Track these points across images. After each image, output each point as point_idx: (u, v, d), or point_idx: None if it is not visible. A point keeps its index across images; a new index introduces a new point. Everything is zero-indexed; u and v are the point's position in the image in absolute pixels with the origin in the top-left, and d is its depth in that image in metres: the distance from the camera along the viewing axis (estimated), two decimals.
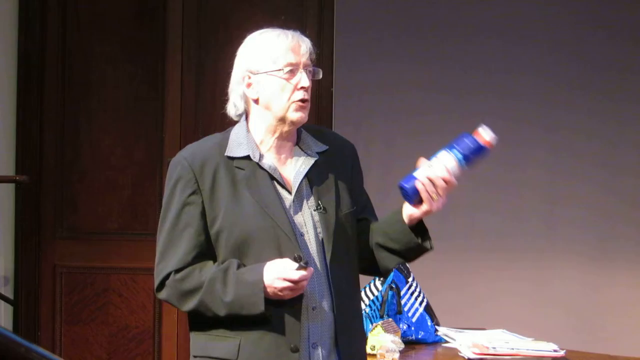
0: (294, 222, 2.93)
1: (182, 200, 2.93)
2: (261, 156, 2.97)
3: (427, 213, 2.95)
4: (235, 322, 2.88)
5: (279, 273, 2.81)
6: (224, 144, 2.98)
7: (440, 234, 6.04)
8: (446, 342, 4.32)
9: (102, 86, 6.17)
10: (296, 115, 2.95)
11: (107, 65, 6.17)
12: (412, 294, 4.34)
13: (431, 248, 3.02)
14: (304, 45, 3.00)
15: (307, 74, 2.98)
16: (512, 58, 6.14)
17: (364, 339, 3.22)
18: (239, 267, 2.88)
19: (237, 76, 3.03)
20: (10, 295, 5.93)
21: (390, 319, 4.15)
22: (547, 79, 6.14)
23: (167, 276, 2.95)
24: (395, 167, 6.08)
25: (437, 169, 2.91)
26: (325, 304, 2.93)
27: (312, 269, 2.84)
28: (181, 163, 2.95)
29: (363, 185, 3.17)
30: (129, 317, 6.12)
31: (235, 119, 3.07)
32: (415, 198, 2.92)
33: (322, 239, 2.94)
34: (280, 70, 2.95)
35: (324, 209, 2.96)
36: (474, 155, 2.94)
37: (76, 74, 6.17)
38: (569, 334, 5.86)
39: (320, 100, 6.14)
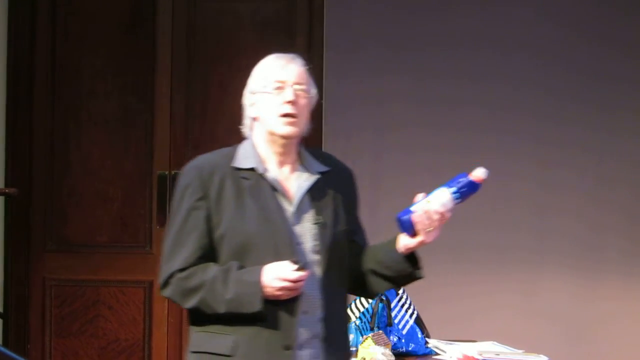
0: (293, 232, 3.12)
1: (190, 204, 3.13)
2: (265, 169, 3.17)
3: (421, 244, 3.15)
4: (233, 319, 3.06)
5: (278, 273, 3.02)
6: (232, 156, 3.19)
7: (430, 247, 6.08)
8: (436, 354, 4.32)
9: (91, 99, 6.17)
10: (283, 129, 3.15)
11: (96, 77, 6.16)
12: (402, 306, 4.34)
13: (422, 276, 3.23)
14: (294, 65, 3.20)
15: (296, 91, 3.16)
16: (501, 70, 6.16)
17: (348, 347, 3.35)
18: (239, 268, 3.07)
19: (245, 98, 3.25)
20: (0, 308, 5.91)
21: (381, 331, 4.15)
22: (537, 91, 6.15)
23: (172, 275, 3.12)
24: (384, 180, 6.09)
25: (433, 204, 3.12)
26: (316, 310, 3.11)
27: (309, 271, 3.04)
28: (191, 171, 3.18)
29: (358, 210, 3.34)
30: (119, 330, 6.11)
31: (247, 136, 3.27)
32: (411, 229, 3.12)
33: (318, 250, 3.14)
34: (269, 87, 3.16)
35: (323, 223, 3.16)
36: (468, 191, 3.20)
37: (65, 87, 6.16)
38: (559, 346, 5.87)
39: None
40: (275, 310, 3.06)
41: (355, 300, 4.36)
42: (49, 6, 6.15)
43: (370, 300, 4.35)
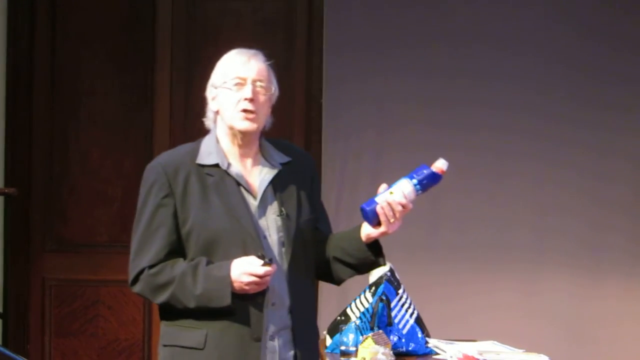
0: (258, 225, 3.23)
1: (156, 202, 3.23)
2: (229, 164, 3.27)
3: (383, 234, 3.25)
4: (203, 313, 3.16)
5: (246, 269, 3.11)
6: (195, 153, 3.29)
7: (431, 246, 6.11)
8: (437, 353, 4.31)
9: (91, 98, 6.17)
10: (241, 125, 3.25)
11: (96, 77, 6.17)
12: (402, 305, 4.34)
13: (384, 264, 3.37)
14: (255, 61, 3.30)
15: (256, 88, 3.26)
16: (501, 70, 6.15)
17: (316, 335, 3.46)
18: (207, 263, 3.17)
19: (208, 91, 3.39)
20: None
21: (381, 331, 4.14)
22: (537, 90, 6.15)
23: (141, 271, 3.20)
24: (385, 179, 6.01)
25: (396, 195, 3.22)
26: (284, 301, 3.23)
27: (275, 265, 3.15)
28: (156, 168, 3.29)
29: (320, 197, 3.48)
30: (119, 329, 6.11)
31: (210, 128, 3.39)
32: (374, 220, 3.23)
33: (283, 242, 3.25)
34: (230, 83, 3.28)
35: (287, 215, 3.27)
36: (429, 182, 3.28)
37: (65, 86, 6.16)
38: (559, 346, 5.86)
39: (310, 113, 6.15)
40: (244, 304, 3.15)
41: (355, 300, 4.36)
42: (48, 5, 6.15)
43: (370, 300, 4.34)
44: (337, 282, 3.45)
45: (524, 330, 5.86)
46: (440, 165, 3.29)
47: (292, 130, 6.15)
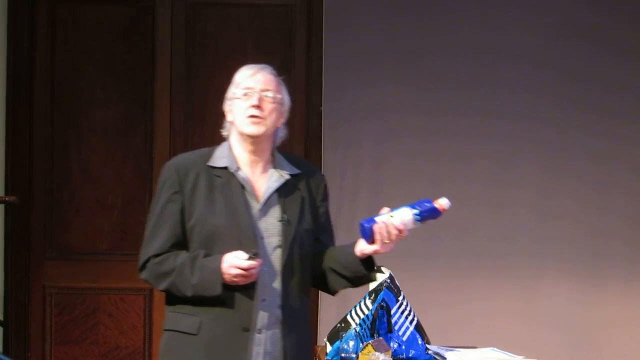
0: (257, 227, 3.48)
1: (166, 197, 3.52)
2: (238, 168, 3.54)
3: (376, 252, 3.47)
4: (199, 302, 3.44)
5: (232, 262, 3.36)
6: (209, 156, 3.57)
7: (431, 253, 6.11)
8: None
9: (91, 106, 6.18)
10: (249, 129, 3.51)
11: (96, 85, 6.18)
12: (402, 312, 4.34)
13: (375, 279, 3.73)
14: (262, 74, 3.55)
15: (263, 96, 3.51)
16: (500, 77, 6.16)
17: (308, 336, 3.69)
18: (205, 256, 3.44)
19: (224, 104, 3.62)
20: (0, 316, 5.91)
21: (381, 338, 4.15)
22: (536, 97, 6.16)
23: (148, 259, 3.51)
24: (384, 189, 6.09)
25: (395, 219, 3.43)
26: (275, 299, 3.48)
27: (261, 260, 3.38)
28: (170, 168, 3.57)
29: (327, 212, 3.71)
30: (119, 337, 6.12)
31: (226, 138, 3.64)
32: (370, 237, 3.44)
33: (281, 245, 3.49)
34: (239, 93, 3.53)
35: (287, 220, 3.51)
36: (429, 216, 3.48)
37: (65, 95, 6.18)
38: (559, 352, 5.87)
39: (309, 122, 6.16)
40: (237, 295, 3.42)
41: (355, 307, 4.37)
42: (48, 15, 6.17)
43: (370, 307, 4.35)
44: (332, 292, 3.69)
45: (523, 337, 5.86)
46: (442, 203, 3.47)
47: (291, 139, 6.10)
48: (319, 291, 6.06)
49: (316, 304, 6.01)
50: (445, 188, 6.09)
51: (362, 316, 4.34)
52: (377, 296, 4.31)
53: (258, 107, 3.49)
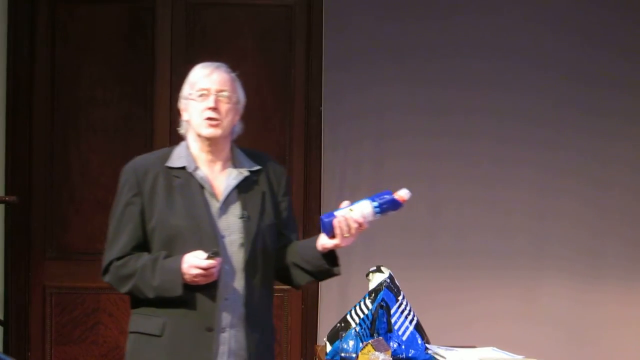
0: (217, 226, 3.47)
1: (126, 200, 3.55)
2: (196, 168, 3.54)
3: (336, 246, 3.48)
4: (162, 303, 3.43)
5: (191, 262, 3.36)
6: (167, 156, 3.59)
7: (430, 253, 6.12)
8: None
9: (91, 106, 6.18)
10: (206, 131, 3.52)
11: (96, 85, 6.18)
12: (402, 312, 4.34)
13: (339, 273, 3.58)
14: (217, 74, 3.54)
15: (219, 97, 3.50)
16: (499, 78, 6.17)
17: (272, 333, 3.68)
18: (165, 257, 3.43)
19: (179, 103, 3.66)
20: (0, 316, 5.91)
21: (381, 338, 4.15)
22: (535, 97, 6.17)
23: (110, 263, 3.50)
24: (384, 189, 6.06)
25: (355, 213, 3.45)
26: (237, 297, 3.47)
27: (220, 259, 3.37)
28: (128, 170, 3.58)
29: (290, 205, 3.69)
30: (120, 337, 6.11)
31: (183, 137, 3.67)
32: (330, 232, 3.45)
33: (242, 242, 3.48)
34: (195, 94, 3.54)
35: (248, 217, 3.50)
36: (389, 207, 3.48)
37: (65, 95, 6.18)
38: (559, 352, 5.88)
39: (309, 122, 6.16)
40: (199, 296, 3.42)
41: (355, 306, 4.37)
42: (48, 14, 6.17)
43: (370, 307, 4.35)
44: (296, 286, 3.71)
45: (523, 337, 5.87)
46: (402, 194, 3.48)
47: (291, 139, 6.17)
48: (319, 291, 6.10)
49: (316, 304, 6.02)
50: (445, 188, 6.12)
51: (361, 316, 4.34)
52: (377, 296, 4.31)
53: (215, 109, 3.49)
